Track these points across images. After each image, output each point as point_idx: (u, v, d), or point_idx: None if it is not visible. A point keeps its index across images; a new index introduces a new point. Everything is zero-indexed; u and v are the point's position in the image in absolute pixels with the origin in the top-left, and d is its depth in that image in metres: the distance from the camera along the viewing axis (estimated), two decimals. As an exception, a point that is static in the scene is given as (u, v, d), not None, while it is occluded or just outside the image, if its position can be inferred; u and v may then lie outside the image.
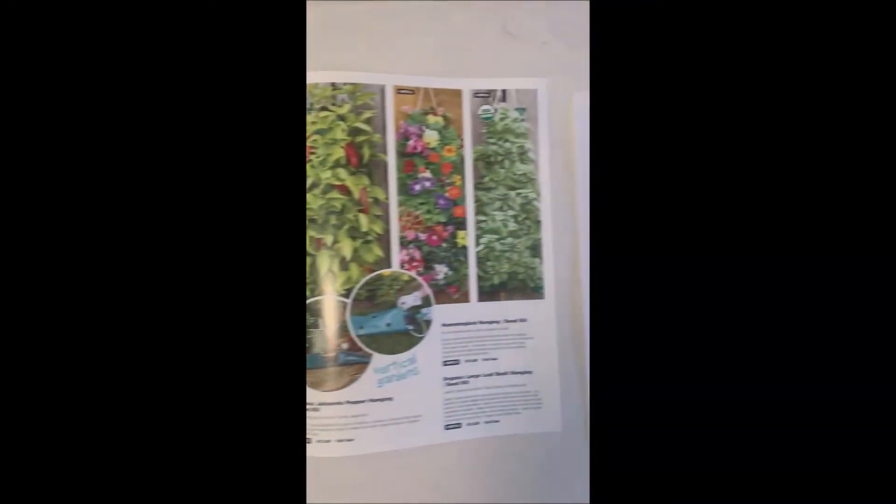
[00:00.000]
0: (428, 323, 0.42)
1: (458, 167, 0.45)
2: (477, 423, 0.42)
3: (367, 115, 0.43)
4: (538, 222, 0.45)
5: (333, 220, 0.42)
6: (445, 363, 0.43)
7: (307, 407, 0.41)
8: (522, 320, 0.44)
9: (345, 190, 0.42)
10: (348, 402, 0.41)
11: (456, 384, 0.43)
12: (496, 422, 0.43)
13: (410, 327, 0.42)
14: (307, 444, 0.40)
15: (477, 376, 0.43)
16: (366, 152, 0.43)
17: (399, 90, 0.44)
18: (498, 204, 0.45)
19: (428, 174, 0.44)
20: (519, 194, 0.45)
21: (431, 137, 0.45)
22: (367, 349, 0.41)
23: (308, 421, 0.41)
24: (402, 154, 0.44)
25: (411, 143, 0.44)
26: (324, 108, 0.43)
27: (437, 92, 0.45)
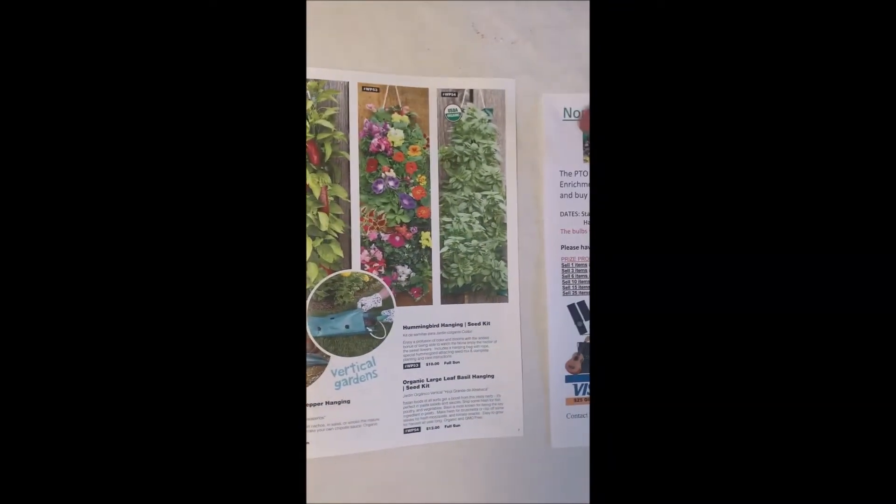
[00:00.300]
0: (388, 325, 0.42)
1: (424, 167, 0.44)
2: (437, 427, 0.42)
3: (329, 112, 0.43)
4: (504, 224, 0.44)
5: (292, 219, 0.41)
6: (406, 366, 0.42)
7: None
8: (486, 323, 0.43)
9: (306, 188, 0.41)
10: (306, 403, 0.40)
11: (416, 387, 0.42)
12: (457, 426, 0.42)
13: (370, 329, 0.41)
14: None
15: (438, 380, 0.42)
16: (327, 150, 0.42)
17: (364, 87, 0.44)
18: (463, 205, 0.44)
19: (392, 173, 0.43)
20: (485, 196, 0.44)
21: (396, 136, 0.44)
22: (324, 351, 0.40)
23: (264, 423, 0.40)
24: (365, 152, 0.43)
25: (375, 141, 0.43)
26: (284, 105, 0.42)
27: (404, 90, 0.44)
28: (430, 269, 0.43)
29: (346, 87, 0.43)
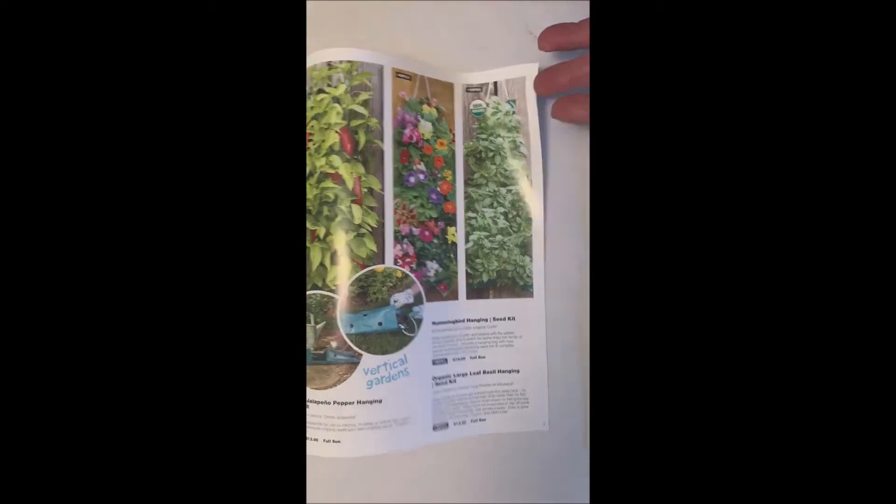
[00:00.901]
0: (419, 322, 0.41)
1: (450, 162, 0.44)
2: (463, 423, 0.42)
3: (363, 96, 0.40)
4: (528, 219, 0.45)
5: (326, 210, 0.39)
6: (434, 362, 0.42)
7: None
8: (511, 318, 0.44)
9: (338, 179, 0.39)
10: (336, 402, 0.38)
11: (444, 383, 0.42)
12: (482, 420, 0.43)
13: (402, 326, 0.41)
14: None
15: (464, 375, 0.43)
16: (361, 138, 0.40)
17: (398, 74, 0.42)
18: (488, 200, 0.44)
19: (422, 167, 0.42)
20: (510, 191, 0.44)
21: (426, 129, 0.43)
22: (357, 349, 0.39)
23: (290, 423, 0.38)
24: (398, 143, 0.42)
25: (407, 132, 0.42)
26: (320, 91, 0.39)
27: (432, 82, 0.43)
28: (456, 265, 0.43)
29: (381, 71, 0.41)
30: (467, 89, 0.44)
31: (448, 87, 0.44)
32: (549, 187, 0.45)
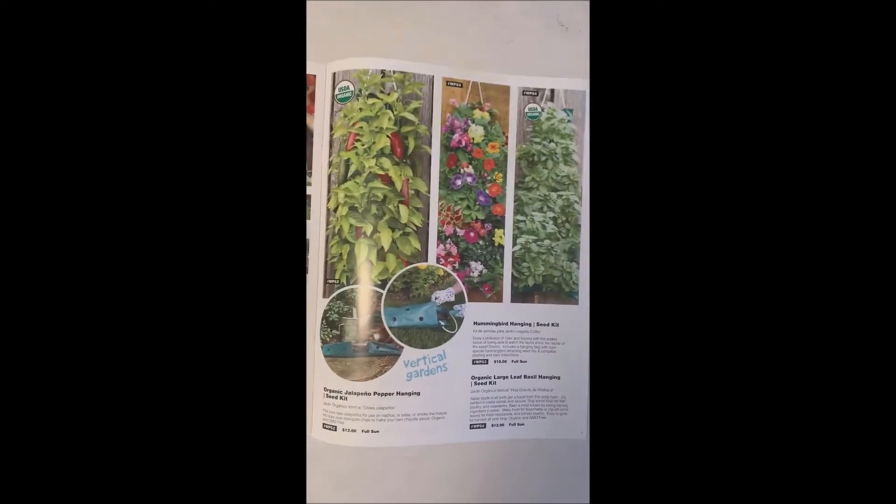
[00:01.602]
0: (460, 320, 0.42)
1: (501, 164, 0.44)
2: (501, 425, 0.42)
3: (414, 105, 0.43)
4: (578, 226, 0.44)
5: (374, 209, 0.41)
6: (474, 362, 0.42)
7: (335, 395, 0.40)
8: (555, 325, 0.43)
9: (387, 180, 0.42)
10: (376, 393, 0.40)
11: (483, 384, 0.42)
12: (521, 424, 0.42)
13: (442, 323, 0.42)
14: (333, 432, 0.40)
15: (505, 377, 0.43)
16: (410, 143, 0.42)
17: (448, 82, 0.44)
18: (538, 204, 0.44)
19: (470, 170, 0.44)
20: (560, 196, 0.44)
21: (476, 132, 0.44)
22: (398, 341, 0.41)
23: (335, 409, 0.40)
24: (446, 148, 0.43)
25: (456, 136, 0.44)
26: (371, 95, 0.42)
27: (486, 87, 0.45)
28: (502, 267, 0.44)
29: (431, 80, 0.43)
30: (523, 92, 0.45)
31: (503, 91, 0.45)
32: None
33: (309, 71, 0.42)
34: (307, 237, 0.42)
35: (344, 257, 0.41)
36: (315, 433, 0.41)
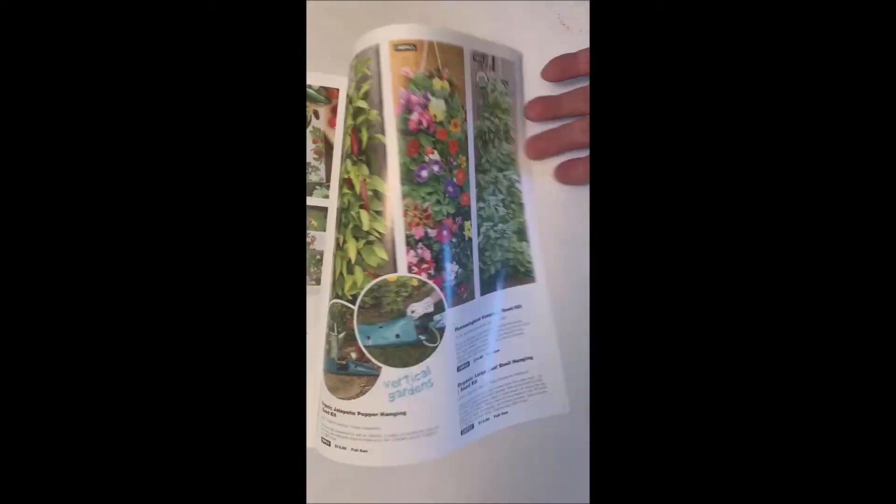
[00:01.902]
0: (441, 331, 0.37)
1: (464, 146, 0.37)
2: (487, 420, 0.40)
3: (364, 88, 0.36)
4: (521, 205, 0.40)
5: (343, 218, 0.38)
6: (459, 369, 0.38)
7: (325, 410, 0.40)
8: (517, 307, 0.40)
9: (350, 184, 0.37)
10: (360, 413, 0.38)
11: (467, 387, 0.39)
12: (505, 413, 0.41)
13: (423, 338, 0.37)
14: (327, 447, 0.40)
15: (482, 373, 0.40)
16: (364, 136, 0.36)
17: (397, 46, 0.36)
18: (491, 188, 0.39)
19: (436, 156, 0.36)
20: (506, 176, 0.40)
21: (438, 108, 0.36)
22: (375, 361, 0.38)
23: (328, 424, 0.40)
24: (404, 133, 0.36)
25: (415, 116, 0.36)
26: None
27: (441, 49, 0.36)
28: (472, 262, 0.38)
29: (377, 50, 0.36)
30: (473, 57, 0.36)
31: (458, 54, 0.36)
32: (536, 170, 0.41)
33: (332, 85, 0.40)
34: (322, 249, 0.41)
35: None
36: (314, 444, 0.41)
